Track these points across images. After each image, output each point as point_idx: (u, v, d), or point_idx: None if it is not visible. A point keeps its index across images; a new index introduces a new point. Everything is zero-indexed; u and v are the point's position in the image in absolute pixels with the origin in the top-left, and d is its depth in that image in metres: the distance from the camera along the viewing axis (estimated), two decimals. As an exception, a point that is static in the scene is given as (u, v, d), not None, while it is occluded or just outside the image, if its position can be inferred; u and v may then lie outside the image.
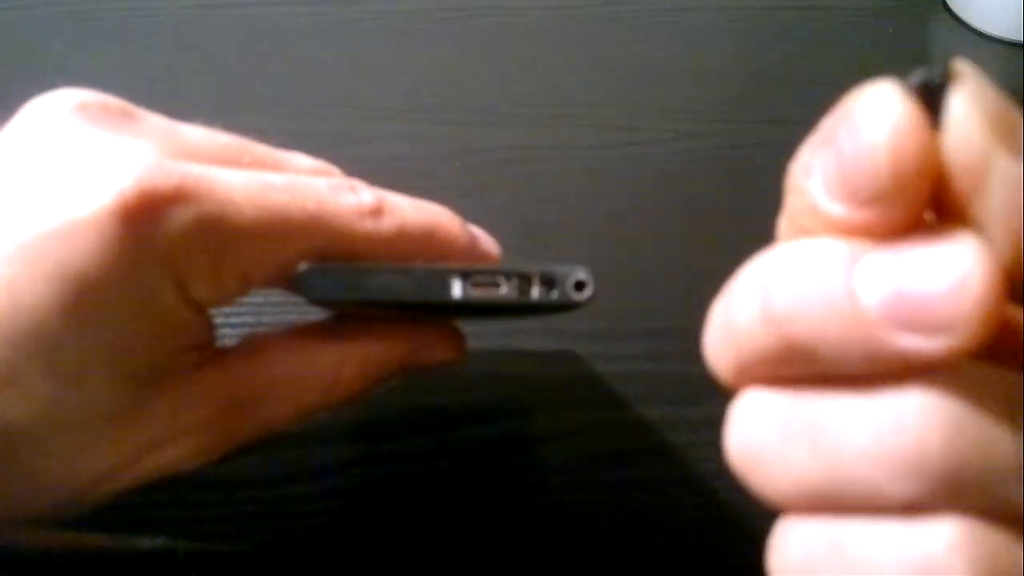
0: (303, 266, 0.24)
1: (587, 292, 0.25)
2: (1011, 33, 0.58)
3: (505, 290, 0.25)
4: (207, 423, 0.25)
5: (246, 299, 0.34)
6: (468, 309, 0.27)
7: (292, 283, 0.25)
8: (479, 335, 0.40)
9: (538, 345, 0.40)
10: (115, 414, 0.23)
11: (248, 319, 0.39)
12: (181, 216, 0.22)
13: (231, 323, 0.39)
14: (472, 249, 0.29)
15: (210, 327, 0.26)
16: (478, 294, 0.25)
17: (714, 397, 0.38)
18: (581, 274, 0.25)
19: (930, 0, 0.63)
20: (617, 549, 0.33)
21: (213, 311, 0.26)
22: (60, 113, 0.24)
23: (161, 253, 0.22)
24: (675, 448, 0.36)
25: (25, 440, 0.22)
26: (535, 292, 0.25)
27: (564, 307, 0.26)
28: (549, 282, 0.25)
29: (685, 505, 0.35)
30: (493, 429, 0.37)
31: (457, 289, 0.25)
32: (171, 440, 0.25)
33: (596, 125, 0.52)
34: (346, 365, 0.28)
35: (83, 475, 0.24)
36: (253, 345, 0.27)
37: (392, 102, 0.52)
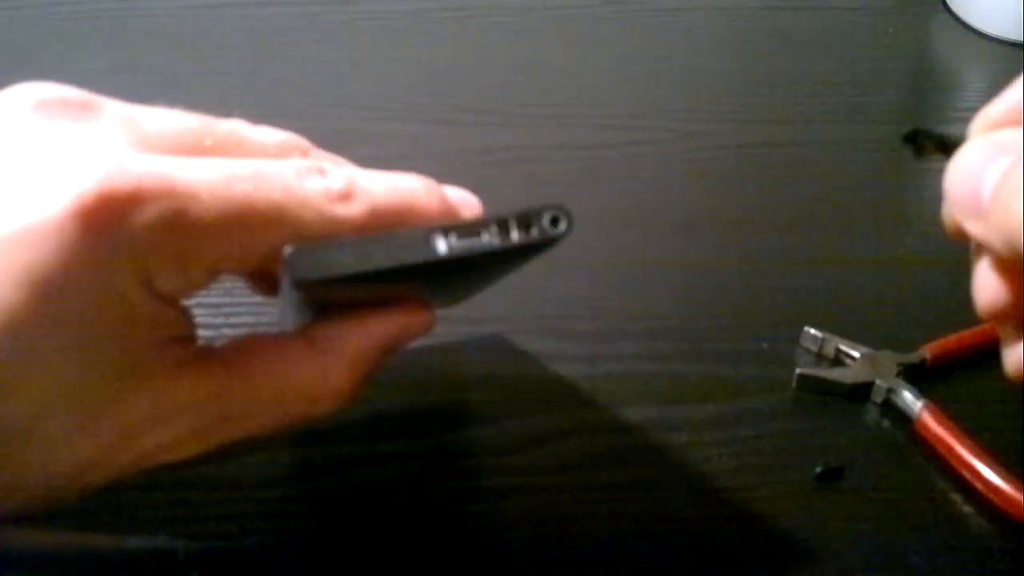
0: (288, 249, 0.24)
1: (563, 225, 0.26)
2: (1011, 33, 0.58)
3: (487, 238, 0.26)
4: (191, 430, 0.26)
5: (246, 299, 0.34)
6: (455, 268, 0.27)
7: (281, 267, 0.25)
8: (478, 334, 0.40)
9: (538, 345, 0.40)
10: (96, 404, 0.24)
11: (248, 319, 0.39)
12: (141, 217, 0.22)
13: (231, 323, 0.39)
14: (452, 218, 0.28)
15: (186, 319, 0.26)
16: (463, 246, 0.25)
17: (714, 397, 0.38)
18: (555, 210, 0.26)
19: (930, 0, 0.63)
20: (617, 549, 0.33)
21: (199, 306, 0.26)
22: (18, 112, 0.24)
23: (123, 253, 0.23)
24: (675, 448, 0.36)
25: (8, 431, 0.23)
26: (515, 235, 0.26)
27: (545, 244, 0.26)
28: (526, 223, 0.26)
29: (685, 505, 0.35)
30: (493, 429, 0.37)
31: (442, 244, 0.25)
32: (151, 434, 0.25)
33: (596, 125, 0.52)
34: (331, 376, 0.28)
35: (66, 464, 0.24)
36: (235, 355, 0.27)
37: (392, 102, 0.52)
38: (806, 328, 0.40)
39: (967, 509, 0.35)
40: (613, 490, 0.35)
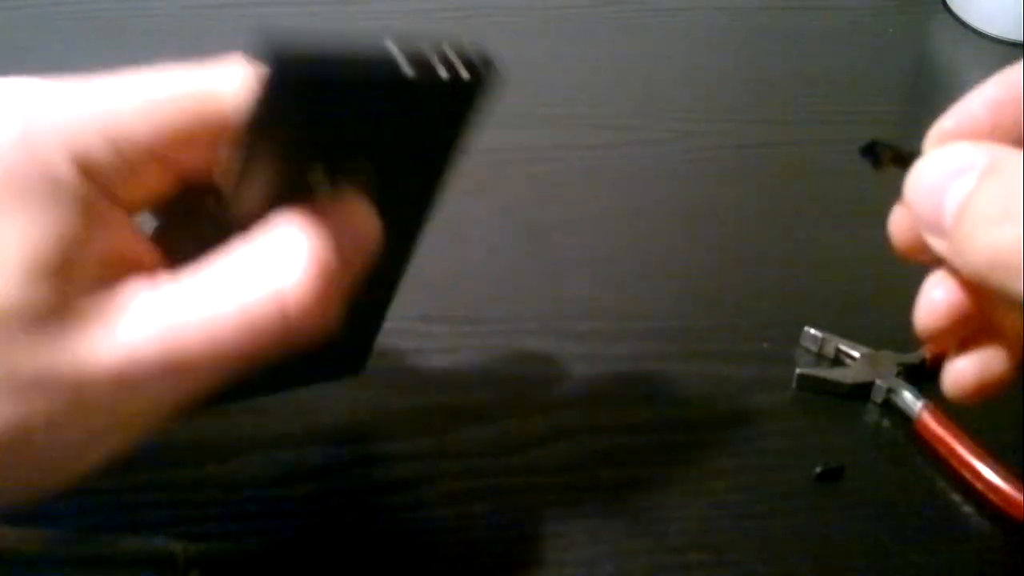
0: (269, 36, 0.24)
1: (492, 67, 0.27)
2: (1011, 33, 0.58)
3: (441, 70, 0.26)
4: (146, 360, 0.24)
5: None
6: (404, 103, 0.27)
7: (264, 65, 0.24)
8: (478, 334, 0.40)
9: (538, 345, 0.40)
10: (38, 313, 0.23)
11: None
12: (62, 105, 0.25)
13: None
14: None
15: (136, 238, 0.26)
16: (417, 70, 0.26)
17: (714, 397, 0.38)
18: (481, 49, 0.27)
19: (930, 0, 0.63)
20: (617, 549, 0.33)
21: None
22: None
23: (49, 131, 0.24)
24: (675, 448, 0.36)
25: None
26: (464, 73, 0.27)
27: (479, 82, 0.28)
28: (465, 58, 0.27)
29: (684, 505, 0.35)
30: (493, 429, 0.37)
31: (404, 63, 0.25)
32: (122, 389, 0.24)
33: (596, 125, 0.52)
34: (278, 260, 0.25)
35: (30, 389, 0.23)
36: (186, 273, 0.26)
37: (392, 102, 0.52)
38: (806, 328, 0.40)
39: (967, 509, 0.35)
40: (613, 490, 0.35)
